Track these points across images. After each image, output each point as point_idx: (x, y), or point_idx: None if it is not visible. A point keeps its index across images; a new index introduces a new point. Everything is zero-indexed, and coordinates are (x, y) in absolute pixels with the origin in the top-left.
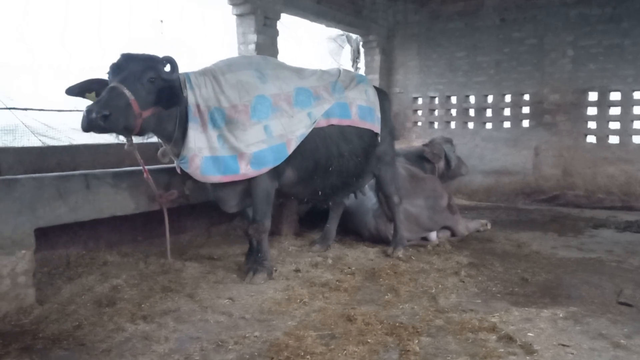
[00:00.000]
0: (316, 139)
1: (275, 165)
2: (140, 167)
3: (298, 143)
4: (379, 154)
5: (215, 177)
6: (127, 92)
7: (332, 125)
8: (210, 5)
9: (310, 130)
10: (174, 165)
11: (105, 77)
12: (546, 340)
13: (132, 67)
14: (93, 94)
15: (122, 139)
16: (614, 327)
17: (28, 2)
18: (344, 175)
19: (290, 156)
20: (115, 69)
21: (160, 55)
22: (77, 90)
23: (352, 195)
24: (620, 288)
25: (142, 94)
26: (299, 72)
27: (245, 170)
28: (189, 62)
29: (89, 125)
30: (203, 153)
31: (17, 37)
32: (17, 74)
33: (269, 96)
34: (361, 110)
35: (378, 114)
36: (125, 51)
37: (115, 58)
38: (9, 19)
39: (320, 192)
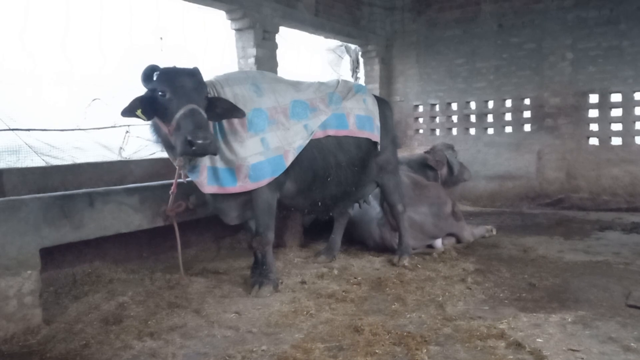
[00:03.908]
0: (313, 150)
1: (274, 177)
2: (145, 184)
3: (296, 155)
4: (381, 163)
5: (213, 188)
6: (203, 112)
7: (329, 135)
8: (211, 11)
9: (307, 141)
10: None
11: (109, 86)
12: (555, 346)
13: (189, 83)
14: (139, 111)
15: (124, 156)
16: (624, 330)
17: (29, 8)
18: (343, 184)
19: (288, 168)
20: (171, 85)
21: (161, 64)
22: (129, 110)
23: (357, 205)
24: (629, 290)
25: (204, 110)
26: (295, 85)
27: (243, 182)
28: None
29: (206, 151)
30: (206, 163)
31: (18, 43)
32: (18, 80)
33: (265, 109)
34: (359, 119)
35: (377, 123)
36: (166, 65)
37: (148, 70)
38: (9, 25)
39: (320, 203)
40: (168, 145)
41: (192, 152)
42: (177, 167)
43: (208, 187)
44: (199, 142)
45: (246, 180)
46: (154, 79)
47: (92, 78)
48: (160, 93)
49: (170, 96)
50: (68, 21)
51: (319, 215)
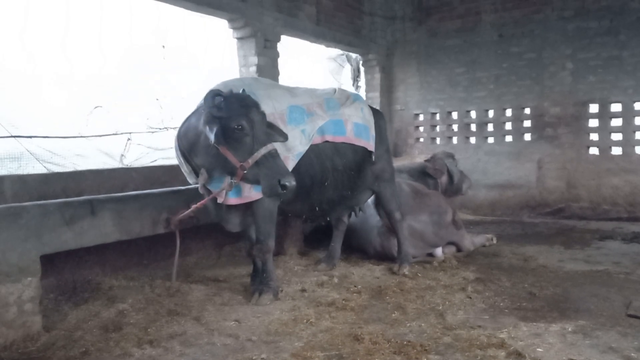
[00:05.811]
0: (311, 155)
1: None
2: (146, 191)
3: (296, 161)
4: (377, 172)
5: (233, 200)
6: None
7: (327, 141)
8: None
9: (307, 148)
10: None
11: (109, 87)
12: (556, 355)
13: (261, 118)
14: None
15: (125, 163)
16: (624, 340)
17: (28, 8)
18: (340, 188)
19: None
20: (248, 119)
21: (161, 65)
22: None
23: (353, 214)
24: (629, 300)
25: None
26: (290, 90)
27: (248, 193)
28: (191, 69)
29: (292, 192)
30: (227, 177)
31: (18, 43)
32: (18, 80)
33: None
34: (357, 127)
35: (373, 133)
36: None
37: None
38: (9, 26)
39: (317, 208)
40: (224, 167)
41: (281, 194)
42: (199, 182)
43: (230, 199)
44: (291, 185)
45: (251, 190)
46: (222, 106)
47: (92, 78)
48: (236, 127)
49: (248, 132)
50: (68, 21)
51: (317, 220)
